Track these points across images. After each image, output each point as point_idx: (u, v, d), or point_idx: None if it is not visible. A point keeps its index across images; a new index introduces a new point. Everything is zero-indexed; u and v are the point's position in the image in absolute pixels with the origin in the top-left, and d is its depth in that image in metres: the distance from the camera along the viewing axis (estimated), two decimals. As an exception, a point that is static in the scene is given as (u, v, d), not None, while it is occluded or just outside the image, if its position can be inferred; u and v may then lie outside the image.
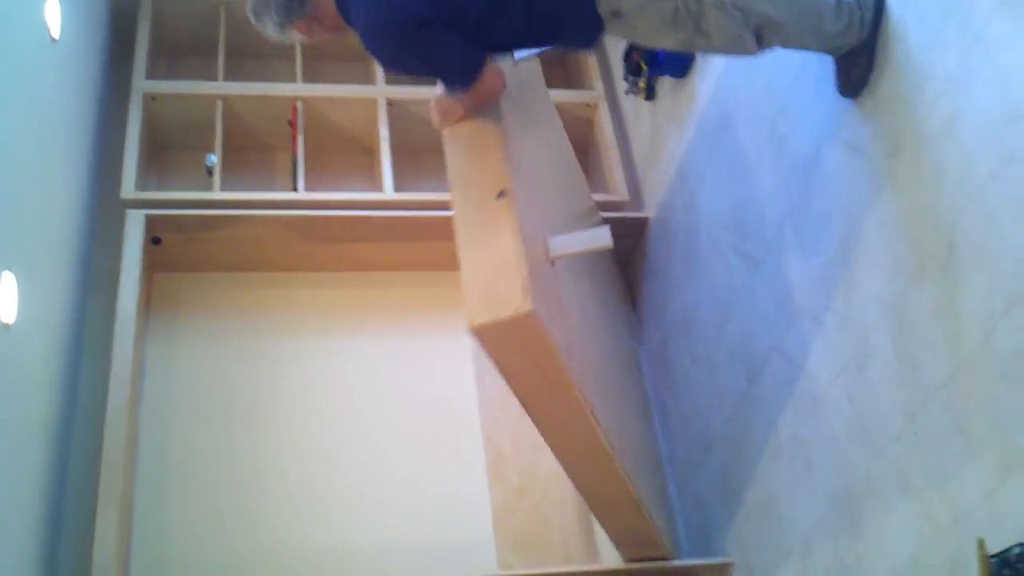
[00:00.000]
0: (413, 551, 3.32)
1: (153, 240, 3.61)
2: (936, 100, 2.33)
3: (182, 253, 3.69)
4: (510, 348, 2.25)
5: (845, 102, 2.65)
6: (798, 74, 2.90)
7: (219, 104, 3.94)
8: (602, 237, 2.41)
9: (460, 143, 2.46)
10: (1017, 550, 2.01)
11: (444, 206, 3.76)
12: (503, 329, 2.17)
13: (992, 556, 2.08)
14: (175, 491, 3.32)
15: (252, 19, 2.40)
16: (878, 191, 2.54)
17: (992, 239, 2.14)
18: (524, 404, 2.45)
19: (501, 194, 2.28)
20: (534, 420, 2.52)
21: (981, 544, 2.12)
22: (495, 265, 2.20)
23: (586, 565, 3.34)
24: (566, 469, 2.74)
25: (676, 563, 3.14)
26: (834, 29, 2.48)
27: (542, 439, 2.61)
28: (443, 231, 3.74)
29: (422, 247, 3.81)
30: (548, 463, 3.44)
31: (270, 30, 2.40)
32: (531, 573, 3.21)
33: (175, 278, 3.75)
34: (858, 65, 2.55)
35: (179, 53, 4.30)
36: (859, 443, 2.59)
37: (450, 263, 3.82)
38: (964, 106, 2.24)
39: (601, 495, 2.84)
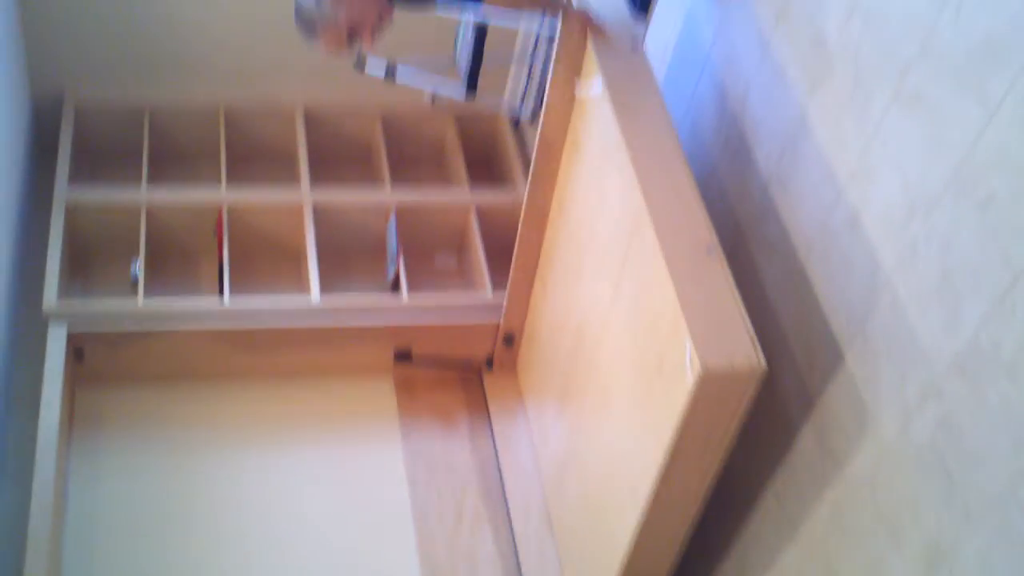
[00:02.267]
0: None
1: (76, 353, 3.54)
2: (839, 195, 2.37)
3: (106, 366, 3.62)
4: (714, 400, 2.26)
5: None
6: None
7: (142, 211, 3.91)
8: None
9: (654, 185, 2.50)
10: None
11: (370, 312, 3.76)
12: (728, 379, 2.22)
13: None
14: (97, 614, 3.20)
15: (301, 32, 2.53)
16: (795, 284, 2.57)
17: (902, 331, 2.17)
18: (669, 455, 2.42)
19: (710, 249, 2.36)
20: (656, 483, 2.49)
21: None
22: (721, 320, 2.26)
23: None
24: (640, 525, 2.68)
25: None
26: None
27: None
28: (370, 336, 3.74)
29: (350, 352, 3.78)
30: (487, 574, 3.38)
31: (311, 11, 2.47)
32: None
33: (99, 392, 3.66)
34: None
35: (102, 157, 4.28)
36: (787, 540, 2.58)
37: (378, 368, 3.85)
38: (866, 200, 2.28)
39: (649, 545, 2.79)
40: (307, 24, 2.51)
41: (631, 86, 2.72)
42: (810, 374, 2.50)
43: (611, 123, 2.64)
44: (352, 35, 2.51)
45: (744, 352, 2.22)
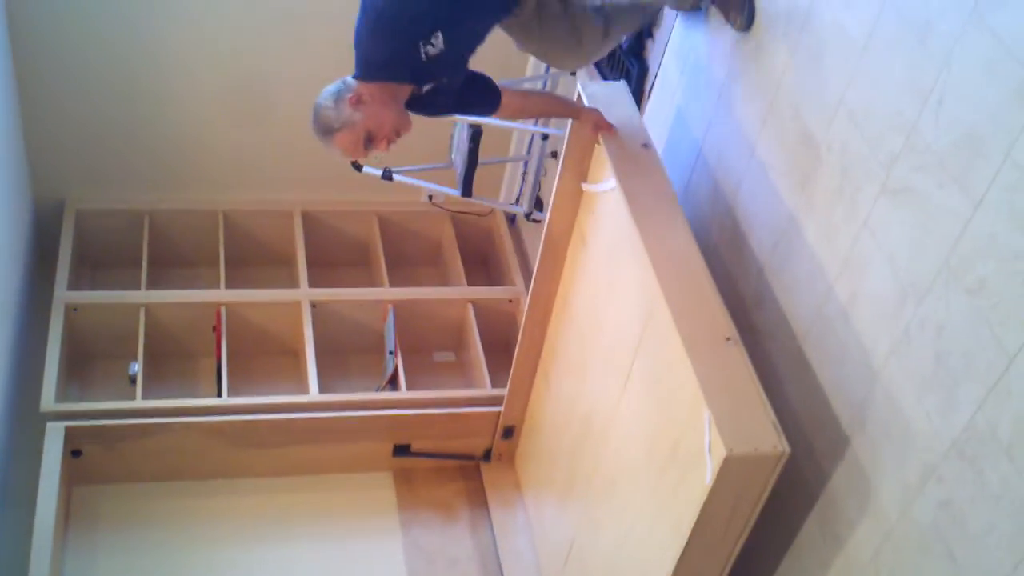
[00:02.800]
0: None
1: (73, 452, 3.54)
2: (832, 285, 2.43)
3: (103, 464, 3.62)
4: (736, 486, 2.27)
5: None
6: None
7: (142, 312, 3.95)
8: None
9: (671, 275, 2.54)
10: None
11: (368, 406, 3.78)
12: (752, 463, 2.22)
13: None
14: None
15: (319, 136, 2.59)
16: (793, 370, 2.61)
17: (898, 415, 2.21)
18: (687, 543, 2.40)
19: (729, 339, 2.42)
20: (672, 573, 2.47)
21: None
22: (742, 405, 2.28)
23: None
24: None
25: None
26: None
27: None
28: (368, 431, 3.76)
29: (349, 448, 3.78)
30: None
31: (331, 119, 2.55)
32: None
33: (95, 491, 3.65)
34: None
35: (102, 263, 4.35)
36: (793, 627, 2.58)
37: (377, 462, 3.85)
38: (859, 288, 2.34)
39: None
40: (325, 127, 2.58)
41: (643, 181, 2.79)
42: (812, 457, 2.53)
43: (625, 217, 2.70)
44: (369, 141, 2.58)
45: (767, 436, 2.24)
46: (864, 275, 2.32)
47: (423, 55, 2.52)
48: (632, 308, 2.75)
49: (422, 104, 2.68)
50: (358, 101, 2.54)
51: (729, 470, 2.21)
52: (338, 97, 2.55)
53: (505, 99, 2.83)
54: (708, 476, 2.25)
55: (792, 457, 2.43)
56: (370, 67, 2.57)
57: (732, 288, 2.93)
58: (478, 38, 2.69)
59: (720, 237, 2.99)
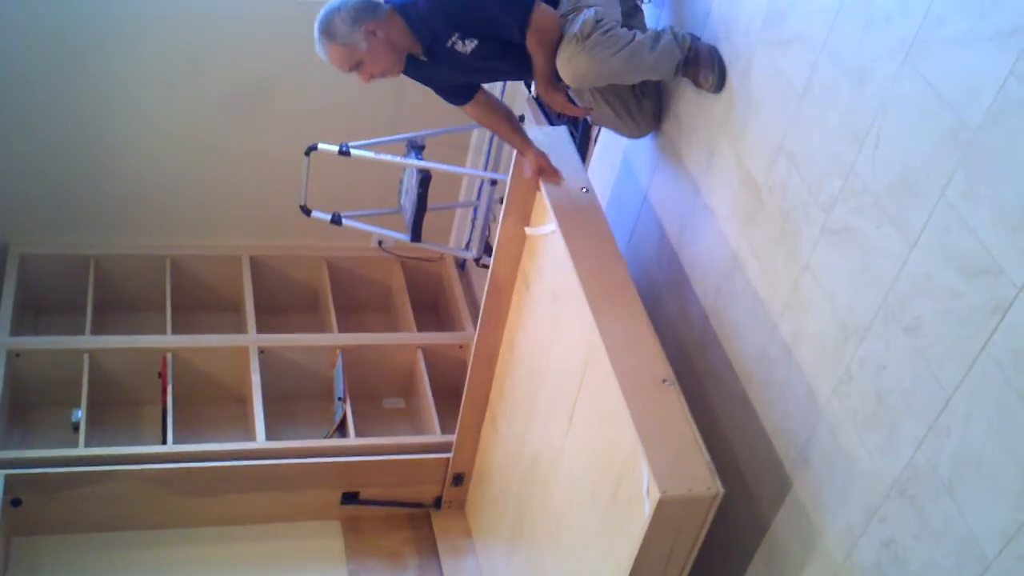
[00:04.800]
0: None
1: (13, 501, 3.46)
2: (775, 325, 2.46)
3: (44, 514, 3.54)
4: (673, 527, 2.28)
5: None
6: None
7: (86, 358, 3.90)
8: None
9: (609, 318, 2.55)
10: None
11: (317, 453, 3.74)
12: (686, 505, 2.23)
13: None
14: None
15: (318, 34, 2.64)
16: (740, 411, 2.63)
17: (840, 455, 2.22)
18: None
19: (665, 381, 2.43)
20: None
21: None
22: (677, 448, 2.29)
23: None
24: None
25: None
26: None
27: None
28: (317, 478, 3.71)
29: (296, 496, 3.73)
30: None
31: (340, 32, 2.61)
32: None
33: (35, 541, 3.56)
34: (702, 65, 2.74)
35: (46, 308, 4.29)
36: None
37: (326, 512, 3.80)
38: (801, 329, 2.37)
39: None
40: (329, 32, 2.64)
41: (582, 225, 2.81)
42: (758, 499, 2.54)
43: (564, 260, 2.72)
44: (356, 67, 2.68)
45: (701, 477, 2.24)
46: (806, 316, 2.35)
47: (449, 41, 2.67)
48: (573, 351, 2.75)
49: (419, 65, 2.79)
50: (372, 33, 2.64)
51: (664, 511, 2.22)
52: (357, 17, 2.64)
53: (479, 95, 2.92)
54: (646, 518, 2.25)
55: (736, 498, 2.44)
56: (408, 9, 2.68)
57: (677, 332, 2.95)
58: (494, 75, 3.02)
59: (666, 281, 3.02)
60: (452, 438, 3.70)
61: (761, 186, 2.52)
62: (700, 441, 2.32)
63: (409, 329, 4.40)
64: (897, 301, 2.04)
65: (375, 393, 4.36)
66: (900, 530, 2.04)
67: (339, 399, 4.06)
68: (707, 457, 2.28)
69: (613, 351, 2.47)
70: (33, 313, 4.27)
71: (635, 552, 2.31)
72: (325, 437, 4.01)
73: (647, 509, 2.24)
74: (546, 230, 2.92)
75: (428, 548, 3.81)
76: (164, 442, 3.73)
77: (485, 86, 2.94)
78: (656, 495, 2.19)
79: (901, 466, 2.03)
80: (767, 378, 2.50)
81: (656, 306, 3.04)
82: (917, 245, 1.98)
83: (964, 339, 1.86)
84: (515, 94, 4.14)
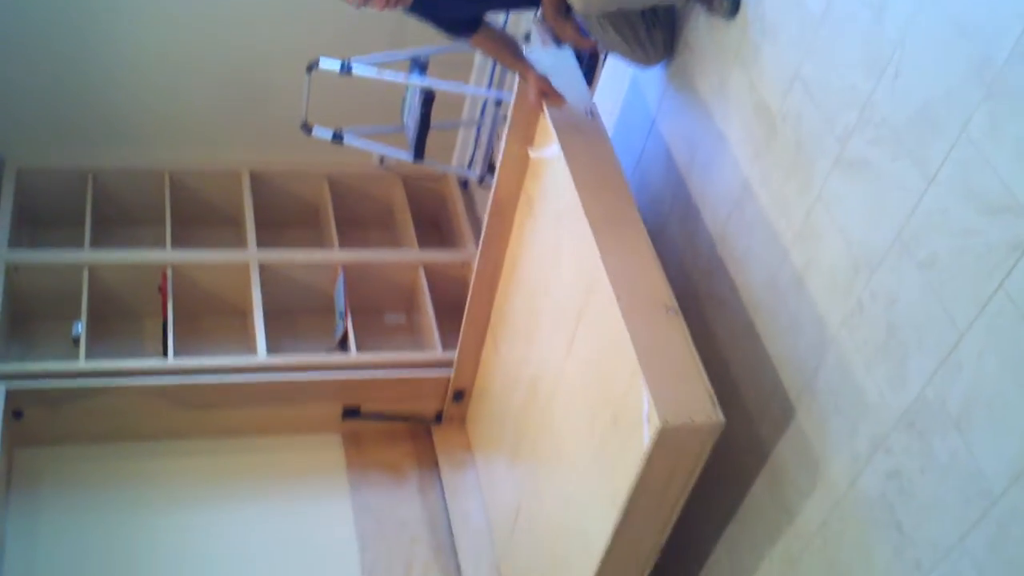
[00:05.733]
0: None
1: (15, 413, 3.47)
2: (785, 256, 2.45)
3: (45, 426, 3.56)
4: (672, 456, 2.29)
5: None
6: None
7: (85, 272, 3.88)
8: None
9: (612, 245, 2.54)
10: None
11: (318, 368, 3.75)
12: (687, 434, 2.24)
13: None
14: None
15: None
16: (745, 339, 2.63)
17: (848, 386, 2.24)
18: (624, 510, 2.43)
19: (670, 309, 2.42)
20: (611, 537, 2.50)
21: None
22: (679, 376, 2.29)
23: None
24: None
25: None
26: None
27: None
28: (318, 393, 3.73)
29: (297, 410, 3.76)
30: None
31: None
32: None
33: (37, 453, 3.59)
34: None
35: (44, 222, 4.25)
36: (739, 592, 2.62)
37: (326, 425, 3.83)
38: (812, 260, 2.36)
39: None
40: None
41: (587, 149, 2.79)
42: (762, 427, 2.56)
43: (568, 185, 2.70)
44: None
45: (702, 407, 2.26)
46: (817, 247, 2.34)
47: None
48: (576, 276, 2.75)
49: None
50: None
51: (664, 440, 2.23)
52: None
53: (483, 28, 2.88)
54: (645, 445, 2.26)
55: (743, 425, 2.45)
56: None
57: (682, 258, 2.95)
58: (500, 3, 3.05)
59: (673, 207, 3.00)
60: (453, 355, 3.71)
61: (775, 114, 2.49)
62: (702, 371, 2.32)
63: (411, 247, 4.38)
64: (912, 236, 2.04)
65: (376, 309, 4.36)
66: (906, 462, 2.06)
67: (340, 315, 4.06)
68: (709, 386, 2.29)
69: (616, 279, 2.46)
70: (31, 227, 4.24)
71: (634, 478, 2.33)
72: (327, 352, 4.02)
73: (647, 436, 2.25)
74: (550, 153, 2.89)
75: (428, 462, 3.86)
76: (165, 356, 3.74)
77: (488, 16, 2.89)
78: (656, 423, 2.20)
79: (910, 399, 2.05)
80: (775, 307, 2.50)
81: (662, 232, 3.03)
82: (935, 180, 1.97)
83: (980, 276, 1.86)
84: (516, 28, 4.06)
